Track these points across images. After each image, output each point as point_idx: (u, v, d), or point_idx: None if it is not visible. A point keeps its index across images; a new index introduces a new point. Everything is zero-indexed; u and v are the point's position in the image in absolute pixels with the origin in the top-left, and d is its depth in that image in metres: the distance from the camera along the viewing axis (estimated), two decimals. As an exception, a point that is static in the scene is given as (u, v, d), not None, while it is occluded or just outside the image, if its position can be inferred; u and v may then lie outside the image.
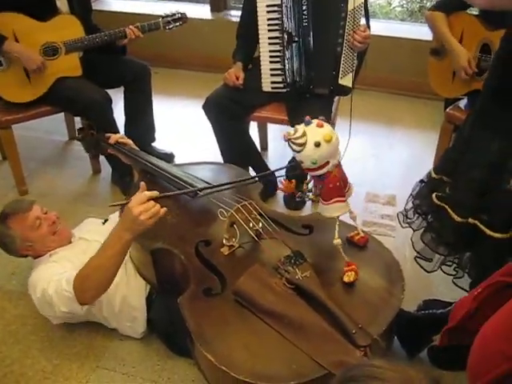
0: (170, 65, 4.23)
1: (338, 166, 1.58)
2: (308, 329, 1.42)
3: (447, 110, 2.64)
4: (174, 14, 2.80)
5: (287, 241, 1.68)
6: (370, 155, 3.12)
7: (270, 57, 2.50)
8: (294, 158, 1.60)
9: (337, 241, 1.63)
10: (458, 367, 1.75)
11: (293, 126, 2.52)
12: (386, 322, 1.48)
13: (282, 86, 2.53)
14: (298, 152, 1.52)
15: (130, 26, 2.70)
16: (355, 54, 2.42)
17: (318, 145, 1.48)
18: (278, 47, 2.47)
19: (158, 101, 3.13)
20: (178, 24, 2.82)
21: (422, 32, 3.69)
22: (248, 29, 2.54)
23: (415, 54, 3.53)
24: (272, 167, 2.87)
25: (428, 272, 1.86)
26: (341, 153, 1.58)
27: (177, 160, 3.10)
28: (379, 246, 1.76)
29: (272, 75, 2.52)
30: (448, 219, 1.64)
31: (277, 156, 3.17)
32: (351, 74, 2.46)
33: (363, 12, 2.36)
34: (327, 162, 1.53)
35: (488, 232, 1.55)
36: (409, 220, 1.89)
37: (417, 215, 1.85)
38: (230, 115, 2.54)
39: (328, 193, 1.58)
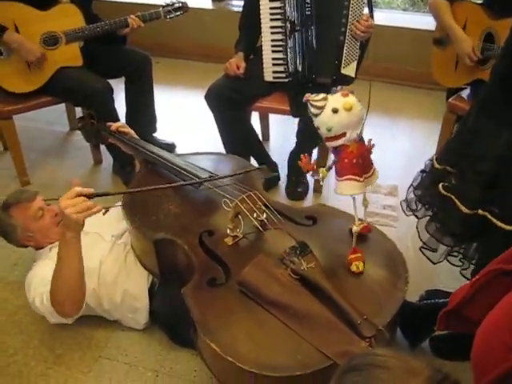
0: (171, 54, 4.22)
1: (359, 143, 1.51)
2: (313, 319, 1.41)
3: (449, 100, 2.63)
4: (175, 3, 2.79)
5: (292, 231, 1.67)
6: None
7: (272, 46, 2.48)
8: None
9: (355, 228, 1.61)
10: (460, 357, 1.76)
11: (294, 116, 2.55)
12: (391, 313, 1.48)
13: (283, 75, 2.52)
14: (315, 116, 1.48)
15: (131, 16, 2.68)
16: (358, 44, 2.40)
17: (335, 111, 1.43)
18: (280, 36, 2.46)
19: (159, 91, 3.11)
20: (178, 13, 2.81)
21: (424, 22, 3.68)
22: (250, 19, 2.52)
23: (417, 43, 3.52)
24: (273, 158, 2.86)
25: (434, 263, 1.86)
26: (361, 128, 1.51)
27: (178, 150, 3.09)
28: (382, 237, 1.75)
29: (274, 65, 2.51)
30: (454, 210, 1.63)
31: (278, 146, 3.16)
32: (354, 64, 2.44)
33: (366, 1, 2.34)
34: (344, 133, 1.47)
35: (499, 224, 1.54)
36: (412, 210, 1.89)
37: (420, 205, 1.84)
38: (231, 105, 2.53)
39: (342, 168, 1.52)
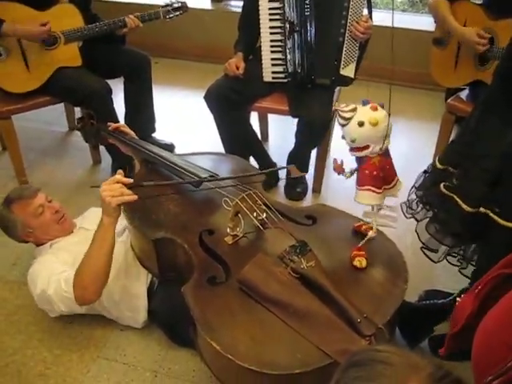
0: (171, 55, 4.22)
1: (382, 157, 1.54)
2: (313, 318, 1.41)
3: (448, 100, 2.64)
4: (174, 4, 2.79)
5: (292, 231, 1.68)
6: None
7: (271, 46, 2.49)
8: None
9: (372, 234, 1.66)
10: (460, 358, 1.75)
11: (293, 116, 2.55)
12: (390, 312, 1.48)
13: (283, 76, 2.52)
14: (342, 126, 1.51)
15: (130, 16, 2.68)
16: (357, 45, 2.41)
17: (361, 124, 1.46)
18: (279, 37, 2.46)
19: (158, 91, 3.12)
20: (178, 13, 2.81)
21: (423, 22, 3.69)
22: (250, 19, 2.53)
23: (416, 44, 3.52)
24: (272, 158, 2.86)
25: (435, 262, 1.86)
26: (386, 144, 1.54)
27: (177, 150, 3.08)
28: (383, 237, 1.75)
29: (273, 65, 2.51)
30: (456, 209, 1.63)
31: (277, 146, 3.16)
32: (353, 65, 2.45)
33: (365, 2, 2.34)
34: (367, 146, 1.51)
35: (501, 222, 1.54)
36: (412, 211, 1.89)
37: (421, 206, 1.84)
38: (230, 105, 2.53)
39: (362, 178, 1.56)
